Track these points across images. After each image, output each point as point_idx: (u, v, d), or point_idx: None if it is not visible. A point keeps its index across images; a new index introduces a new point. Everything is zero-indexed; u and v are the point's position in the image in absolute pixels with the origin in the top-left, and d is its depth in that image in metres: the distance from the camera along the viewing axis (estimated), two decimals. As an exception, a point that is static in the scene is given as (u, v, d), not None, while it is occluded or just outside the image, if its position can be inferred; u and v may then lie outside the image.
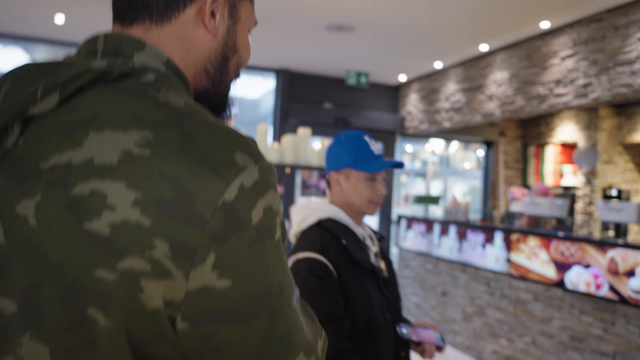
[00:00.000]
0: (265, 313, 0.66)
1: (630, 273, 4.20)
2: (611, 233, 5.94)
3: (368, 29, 6.18)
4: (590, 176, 7.47)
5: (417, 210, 7.94)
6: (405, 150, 9.52)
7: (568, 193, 7.93)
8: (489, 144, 9.20)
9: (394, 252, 8.01)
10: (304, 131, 3.90)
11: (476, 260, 5.78)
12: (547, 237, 4.99)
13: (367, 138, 1.90)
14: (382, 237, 2.06)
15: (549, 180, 8.67)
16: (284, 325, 0.68)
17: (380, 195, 1.89)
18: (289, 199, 7.52)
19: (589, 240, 4.64)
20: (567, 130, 8.08)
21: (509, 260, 5.34)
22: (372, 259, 1.87)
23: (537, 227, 6.13)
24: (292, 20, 6.03)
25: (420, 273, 6.78)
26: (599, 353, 4.43)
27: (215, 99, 0.88)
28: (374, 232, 2.04)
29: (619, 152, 7.63)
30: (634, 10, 5.04)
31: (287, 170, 3.63)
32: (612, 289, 4.32)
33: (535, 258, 5.07)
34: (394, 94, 9.03)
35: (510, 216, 6.46)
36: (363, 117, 8.45)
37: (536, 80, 6.13)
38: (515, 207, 6.38)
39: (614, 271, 4.34)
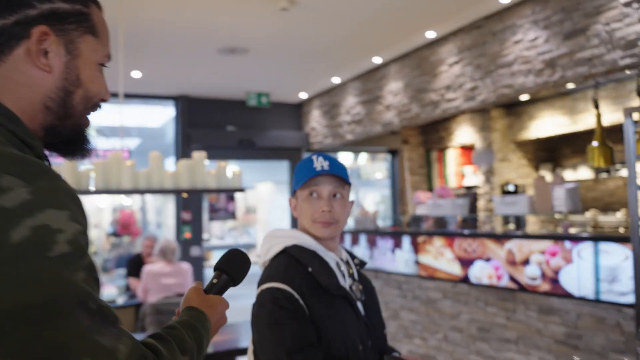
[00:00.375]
0: (26, 327, 0.67)
1: (526, 262, 4.43)
2: (512, 226, 6.24)
3: (262, 50, 6.24)
4: (489, 174, 7.83)
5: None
6: (314, 165, 9.60)
7: (470, 192, 8.27)
8: (393, 153, 9.47)
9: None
10: (198, 154, 3.89)
11: (387, 266, 5.91)
12: (450, 236, 5.18)
13: (315, 157, 1.79)
14: (364, 263, 1.92)
15: (452, 182, 9.01)
16: (58, 335, 0.68)
17: (323, 213, 1.73)
18: (197, 224, 7.43)
19: (487, 235, 4.86)
20: (464, 133, 8.45)
21: (417, 262, 5.50)
22: (345, 284, 1.75)
23: (443, 228, 6.34)
24: (182, 47, 6.00)
25: (336, 285, 6.84)
26: (504, 340, 4.63)
27: (67, 133, 0.91)
28: (353, 256, 1.92)
29: (512, 149, 8.06)
30: (507, 15, 5.36)
31: (184, 195, 3.60)
32: (512, 278, 4.54)
33: (441, 257, 5.24)
34: (297, 111, 9.15)
35: (416, 220, 6.66)
36: (268, 137, 8.50)
37: (428, 88, 6.38)
38: (420, 211, 6.57)
39: (511, 261, 4.56)
